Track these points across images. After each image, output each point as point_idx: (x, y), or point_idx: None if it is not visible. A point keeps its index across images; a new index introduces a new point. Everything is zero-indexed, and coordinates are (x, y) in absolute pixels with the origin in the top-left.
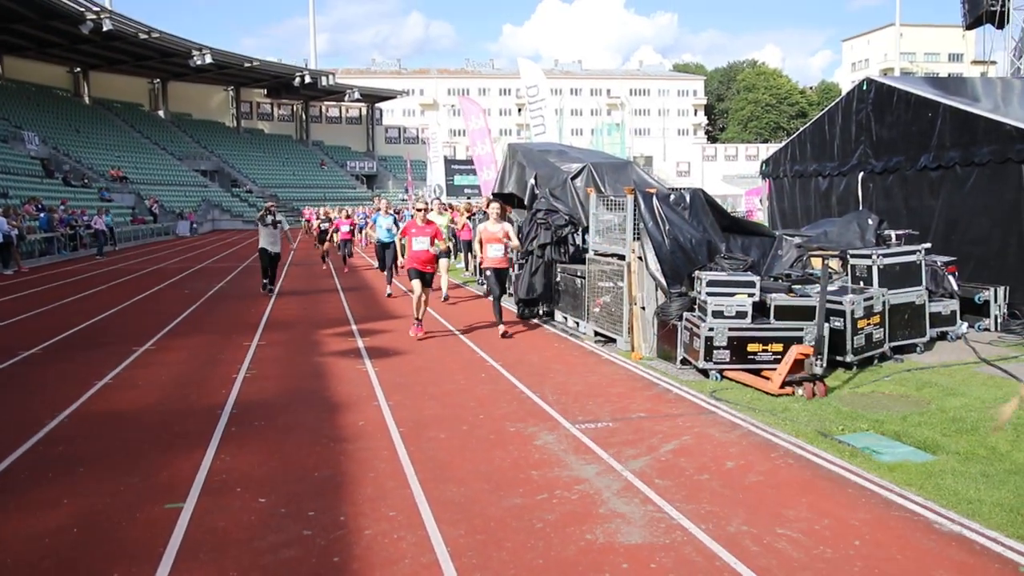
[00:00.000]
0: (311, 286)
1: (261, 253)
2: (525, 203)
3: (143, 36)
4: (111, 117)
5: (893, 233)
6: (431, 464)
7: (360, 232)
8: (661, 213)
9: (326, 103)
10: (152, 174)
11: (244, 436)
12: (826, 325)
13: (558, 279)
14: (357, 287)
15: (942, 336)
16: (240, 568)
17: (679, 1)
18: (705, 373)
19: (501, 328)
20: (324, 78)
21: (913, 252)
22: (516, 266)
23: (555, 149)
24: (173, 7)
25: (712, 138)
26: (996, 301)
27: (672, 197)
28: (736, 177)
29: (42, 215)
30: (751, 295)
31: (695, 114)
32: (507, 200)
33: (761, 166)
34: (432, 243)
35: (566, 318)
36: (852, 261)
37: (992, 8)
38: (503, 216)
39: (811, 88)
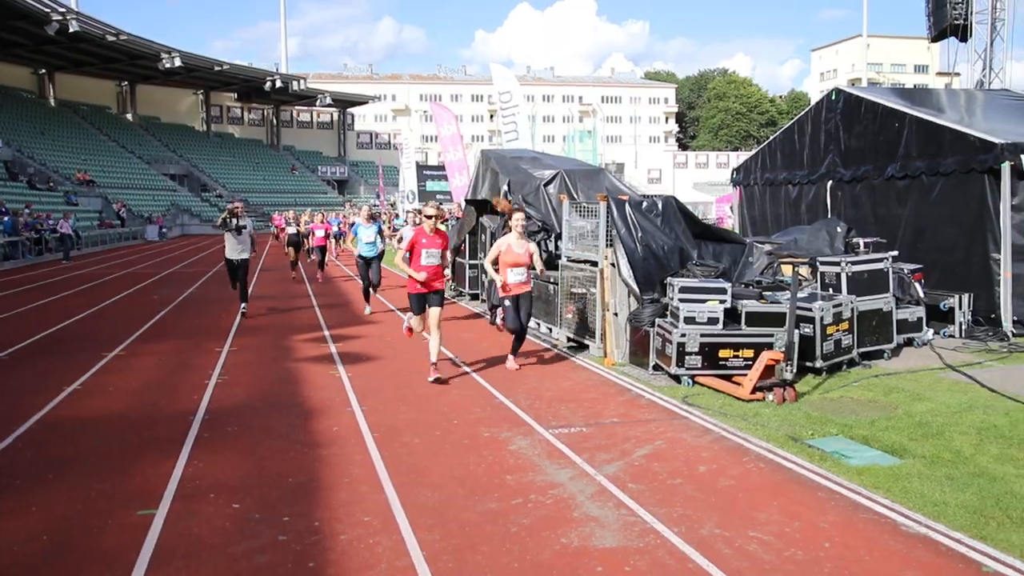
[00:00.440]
0: (283, 297)
1: (228, 265)
2: (498, 209)
3: (110, 38)
4: (77, 120)
5: (861, 241)
6: (405, 469)
7: (336, 241)
8: (634, 220)
9: (297, 107)
10: (120, 178)
11: (217, 442)
12: (796, 331)
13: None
14: (332, 297)
15: (909, 342)
16: (215, 574)
17: (650, 9)
18: (677, 379)
19: (514, 363)
20: (295, 82)
21: (881, 260)
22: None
23: (528, 156)
24: (142, 9)
25: (683, 146)
26: (961, 308)
27: (644, 204)
28: (707, 184)
29: (6, 219)
30: (723, 301)
31: (666, 121)
32: (480, 206)
33: (732, 174)
34: (443, 256)
35: (539, 324)
36: (821, 268)
37: (956, 22)
38: (525, 231)
39: (781, 97)
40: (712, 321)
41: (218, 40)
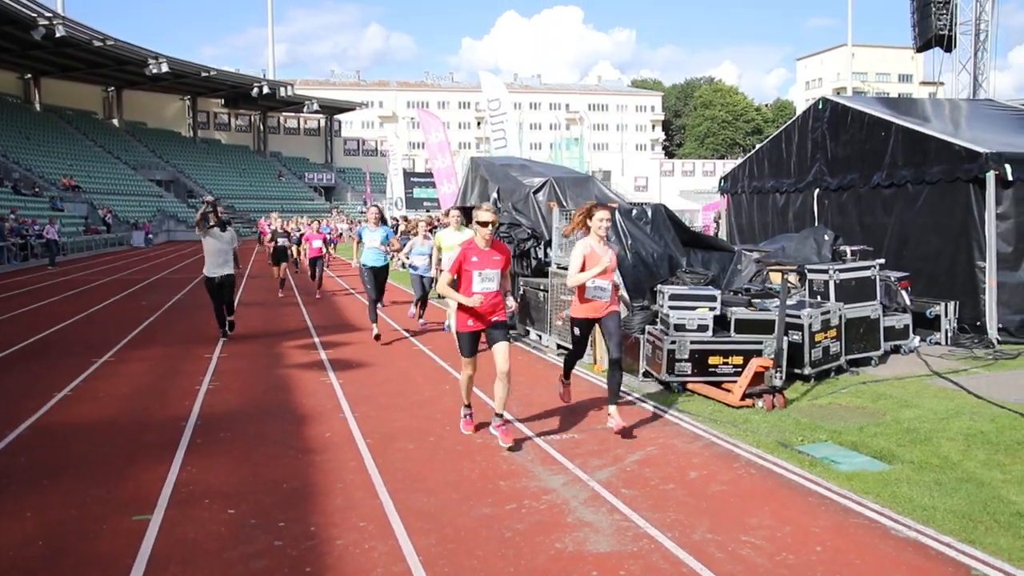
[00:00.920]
0: (272, 322)
1: (209, 285)
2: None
3: (97, 43)
4: (63, 125)
5: (848, 249)
6: (400, 475)
7: (328, 247)
8: (623, 228)
9: (284, 114)
10: (106, 183)
11: (210, 448)
12: (785, 338)
13: (521, 292)
14: (330, 317)
15: (896, 349)
16: None
17: (637, 17)
18: (667, 385)
19: (618, 422)
20: (282, 89)
21: (868, 268)
22: None
23: (517, 163)
24: (130, 14)
25: (669, 153)
26: (947, 316)
27: (634, 212)
28: (693, 192)
29: None
30: (712, 309)
31: (653, 129)
32: (468, 214)
33: (720, 182)
34: (505, 278)
35: (528, 331)
36: (809, 276)
37: (941, 32)
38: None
39: (766, 105)
40: (702, 328)
41: (206, 46)
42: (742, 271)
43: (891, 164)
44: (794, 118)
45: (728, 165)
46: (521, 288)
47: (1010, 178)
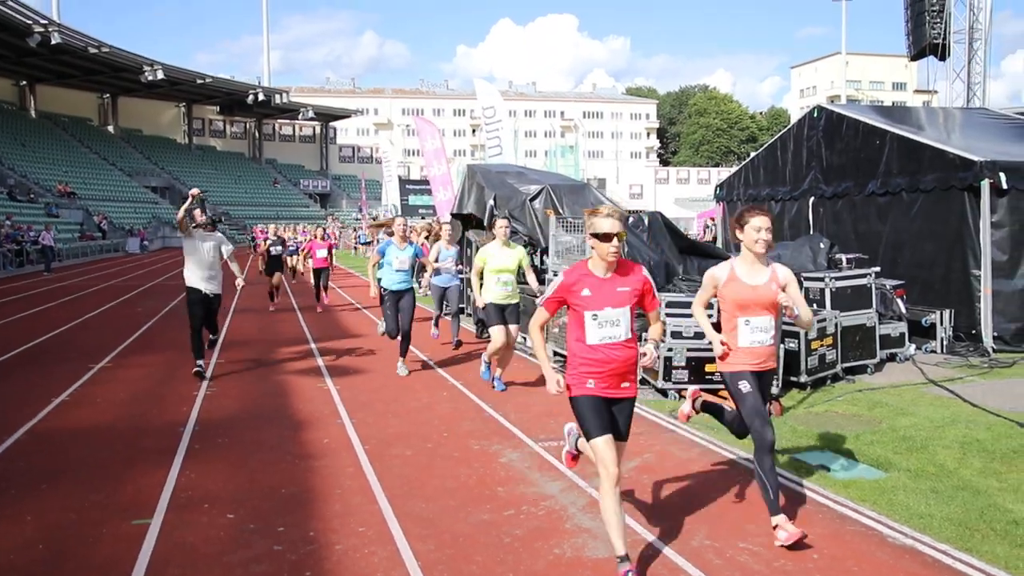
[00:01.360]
0: (268, 329)
1: (191, 298)
2: (485, 224)
3: (93, 50)
4: (58, 132)
5: (844, 257)
6: (398, 480)
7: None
8: None
9: (279, 121)
10: (101, 190)
11: (208, 453)
12: (781, 346)
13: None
14: (328, 326)
15: (891, 357)
16: None
17: (631, 25)
18: (664, 393)
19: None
20: (278, 96)
21: (864, 276)
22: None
23: (514, 171)
24: (126, 21)
25: (664, 161)
26: (942, 324)
27: (631, 220)
28: (688, 200)
29: None
30: (709, 316)
31: (647, 137)
32: (466, 221)
33: (715, 190)
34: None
35: (525, 338)
36: (805, 284)
37: (935, 41)
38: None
39: (761, 113)
40: (698, 336)
41: (201, 53)
42: None
43: (886, 172)
44: (789, 126)
45: (723, 173)
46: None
47: (1004, 186)
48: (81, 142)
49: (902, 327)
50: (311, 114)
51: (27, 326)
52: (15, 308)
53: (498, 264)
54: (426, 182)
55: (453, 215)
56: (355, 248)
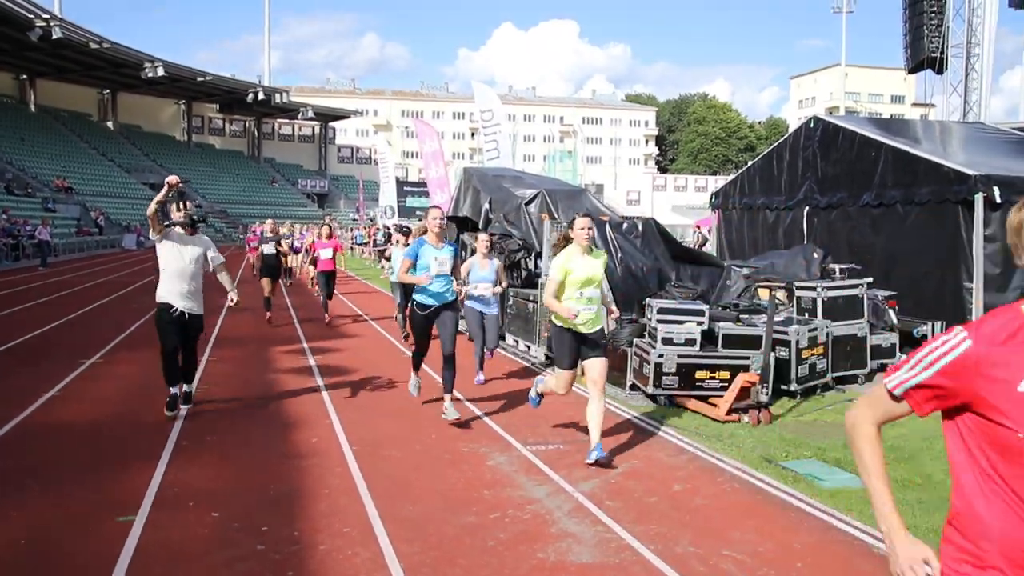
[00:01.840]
0: (261, 327)
1: (162, 317)
2: (480, 227)
3: (94, 45)
4: (58, 126)
5: (837, 267)
6: (385, 482)
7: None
8: (614, 241)
9: (279, 120)
10: (99, 185)
11: (195, 451)
12: (772, 354)
13: (510, 303)
14: (328, 342)
15: (882, 368)
16: None
17: (632, 33)
18: (654, 399)
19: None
20: (278, 95)
21: (856, 286)
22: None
23: (510, 175)
24: (128, 18)
25: (662, 168)
26: (933, 335)
27: (625, 225)
28: (685, 207)
29: None
30: (700, 323)
31: (646, 144)
32: (461, 224)
33: (710, 198)
34: None
35: (517, 341)
36: (797, 293)
37: (932, 55)
38: None
39: (759, 123)
40: (689, 342)
41: (202, 51)
42: (731, 286)
43: (881, 184)
44: (785, 136)
45: (720, 181)
46: (511, 299)
47: (998, 200)
48: (80, 137)
49: (893, 338)
50: (311, 114)
51: (20, 320)
52: (9, 302)
53: (583, 274)
54: (424, 184)
55: (449, 218)
56: (351, 248)
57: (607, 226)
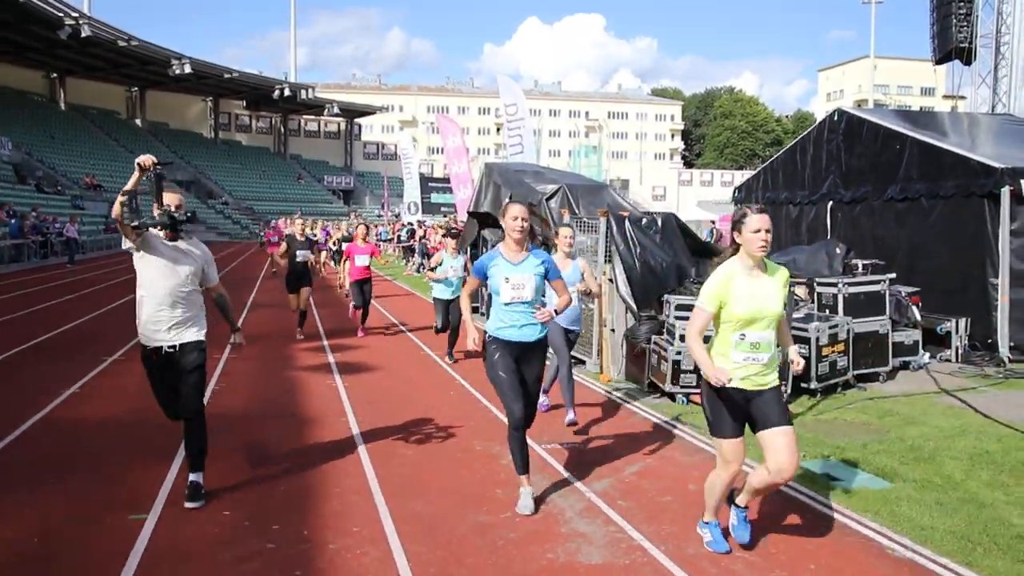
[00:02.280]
0: (282, 323)
1: (144, 364)
2: (500, 223)
3: (122, 43)
4: (87, 124)
5: (860, 262)
6: (397, 481)
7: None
8: (633, 236)
9: (305, 117)
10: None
11: (210, 448)
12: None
13: None
14: (348, 339)
15: (904, 366)
16: None
17: (659, 26)
18: (672, 396)
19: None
20: (304, 91)
21: (878, 282)
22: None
23: (531, 170)
24: (155, 15)
25: (688, 163)
26: (957, 332)
27: (644, 221)
28: (711, 203)
29: (12, 221)
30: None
31: (672, 139)
32: (482, 219)
33: (733, 192)
34: None
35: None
36: (818, 289)
37: (961, 45)
38: None
39: (787, 116)
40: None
41: (228, 48)
42: None
43: (905, 178)
44: (809, 129)
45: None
46: None
47: None
48: (108, 135)
49: (916, 335)
50: (336, 110)
51: (47, 317)
52: (36, 299)
53: (750, 307)
54: (448, 180)
55: (470, 213)
56: (377, 245)
57: (626, 222)
